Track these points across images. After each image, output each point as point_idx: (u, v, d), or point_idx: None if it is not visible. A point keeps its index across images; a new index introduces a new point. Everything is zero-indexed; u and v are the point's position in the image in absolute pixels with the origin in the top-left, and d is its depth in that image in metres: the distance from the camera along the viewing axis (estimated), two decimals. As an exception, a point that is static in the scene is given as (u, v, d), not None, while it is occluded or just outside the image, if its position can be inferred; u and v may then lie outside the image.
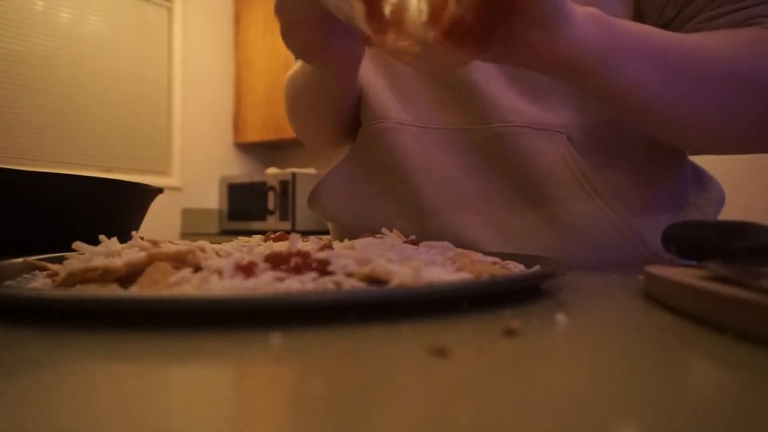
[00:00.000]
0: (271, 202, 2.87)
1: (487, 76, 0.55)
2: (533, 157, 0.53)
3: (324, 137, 0.71)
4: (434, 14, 0.31)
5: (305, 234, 0.48)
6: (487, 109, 0.55)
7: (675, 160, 0.57)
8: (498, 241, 0.55)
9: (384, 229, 0.47)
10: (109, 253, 0.33)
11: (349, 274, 0.28)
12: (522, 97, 0.54)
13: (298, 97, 0.65)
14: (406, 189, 0.58)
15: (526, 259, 0.39)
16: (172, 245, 0.32)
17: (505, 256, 0.41)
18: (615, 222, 0.52)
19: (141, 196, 0.66)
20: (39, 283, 0.32)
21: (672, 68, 0.42)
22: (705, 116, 0.44)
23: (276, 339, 0.21)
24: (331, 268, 0.28)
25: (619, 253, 0.52)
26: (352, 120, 0.69)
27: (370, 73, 0.62)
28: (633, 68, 0.41)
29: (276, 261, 0.29)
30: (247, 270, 0.27)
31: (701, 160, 0.66)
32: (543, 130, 0.53)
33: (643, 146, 0.54)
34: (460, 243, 0.55)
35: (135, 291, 0.27)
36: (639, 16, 0.52)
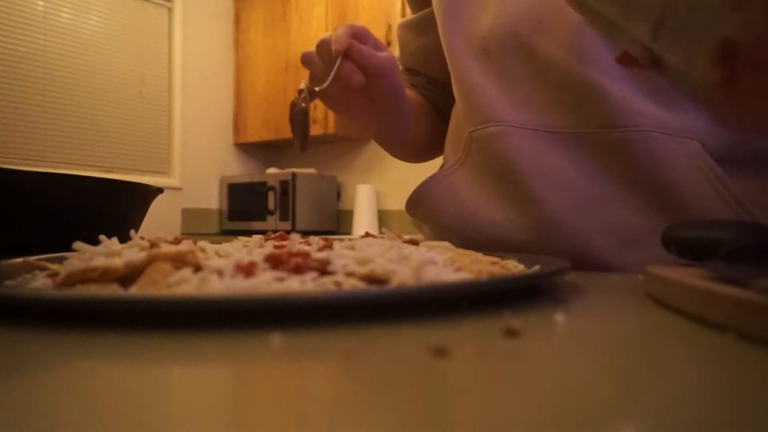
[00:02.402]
0: (271, 202, 2.87)
1: (611, 77, 0.51)
2: (665, 162, 0.50)
3: (416, 156, 0.79)
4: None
5: (305, 234, 0.48)
6: (612, 111, 0.51)
7: None
8: (621, 250, 0.52)
9: (384, 229, 0.47)
10: (109, 253, 0.33)
11: (349, 274, 0.28)
12: (650, 100, 0.51)
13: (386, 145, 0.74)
14: (520, 193, 0.55)
15: (526, 259, 0.39)
16: (172, 246, 0.32)
17: (505, 256, 0.41)
18: None
19: (141, 196, 0.66)
20: (39, 283, 0.32)
21: None
22: None
23: (276, 339, 0.21)
24: (331, 268, 0.28)
25: None
26: (439, 135, 0.74)
27: (477, 74, 0.59)
28: None
29: (276, 261, 0.29)
30: (247, 270, 0.27)
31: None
32: (675, 135, 0.50)
33: None
34: (577, 250, 0.52)
35: (135, 291, 0.27)
36: None
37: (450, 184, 0.62)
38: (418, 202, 0.66)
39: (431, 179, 0.65)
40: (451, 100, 0.67)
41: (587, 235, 0.53)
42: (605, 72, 0.51)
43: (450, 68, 0.63)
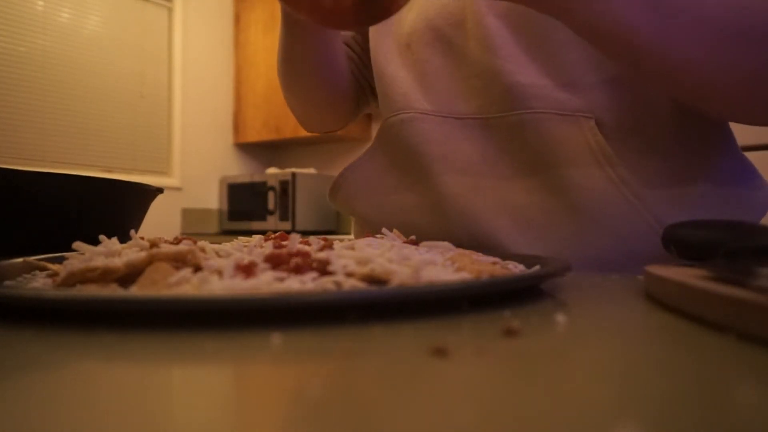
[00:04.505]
0: (271, 202, 2.87)
1: (515, 63, 0.54)
2: (555, 142, 0.52)
3: (314, 110, 0.74)
4: None
5: (305, 234, 0.48)
6: (511, 96, 0.53)
7: (717, 150, 0.54)
8: (516, 230, 0.53)
9: (384, 229, 0.47)
10: (109, 253, 0.33)
11: (349, 274, 0.28)
12: (550, 82, 0.53)
13: (286, 63, 0.69)
14: (425, 177, 0.57)
15: (526, 259, 0.39)
16: (172, 246, 0.32)
17: (505, 257, 0.41)
18: (641, 212, 0.50)
19: (141, 196, 0.66)
20: (39, 283, 0.32)
21: (663, 10, 0.41)
22: (699, 65, 0.42)
23: (276, 339, 0.21)
24: (331, 268, 0.28)
25: (644, 245, 0.49)
26: (343, 98, 0.73)
27: (397, 67, 0.62)
28: (620, 7, 0.40)
29: (276, 261, 0.29)
30: (247, 270, 0.27)
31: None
32: (568, 115, 0.51)
33: (680, 133, 0.52)
34: (475, 231, 0.54)
35: (135, 291, 0.27)
36: None
37: (364, 171, 0.65)
38: (337, 191, 0.68)
39: (347, 169, 0.67)
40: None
41: (483, 217, 0.55)
42: (505, 57, 0.54)
43: (373, 64, 0.66)
